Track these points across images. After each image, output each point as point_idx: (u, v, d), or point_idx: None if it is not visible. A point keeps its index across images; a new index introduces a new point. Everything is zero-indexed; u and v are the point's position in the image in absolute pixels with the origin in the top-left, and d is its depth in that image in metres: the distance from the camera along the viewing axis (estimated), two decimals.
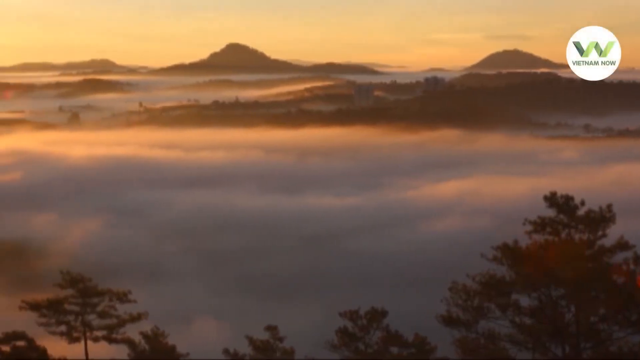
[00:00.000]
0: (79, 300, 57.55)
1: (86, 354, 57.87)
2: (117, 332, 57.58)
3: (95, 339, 57.75)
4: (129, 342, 57.18)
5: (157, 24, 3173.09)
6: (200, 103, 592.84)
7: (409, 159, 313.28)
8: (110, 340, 57.64)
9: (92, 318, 57.73)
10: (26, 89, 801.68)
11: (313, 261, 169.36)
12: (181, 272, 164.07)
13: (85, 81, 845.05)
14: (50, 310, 57.32)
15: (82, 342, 57.60)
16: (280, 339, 56.87)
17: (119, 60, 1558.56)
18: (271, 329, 57.00)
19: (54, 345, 56.98)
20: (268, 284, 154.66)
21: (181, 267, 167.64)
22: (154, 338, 56.90)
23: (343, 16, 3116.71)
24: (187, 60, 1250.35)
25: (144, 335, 57.00)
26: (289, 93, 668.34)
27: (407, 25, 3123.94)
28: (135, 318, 57.91)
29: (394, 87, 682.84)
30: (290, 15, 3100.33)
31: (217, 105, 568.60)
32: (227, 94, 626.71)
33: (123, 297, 58.13)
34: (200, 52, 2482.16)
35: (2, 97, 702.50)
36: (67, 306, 57.59)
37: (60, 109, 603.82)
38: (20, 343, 55.50)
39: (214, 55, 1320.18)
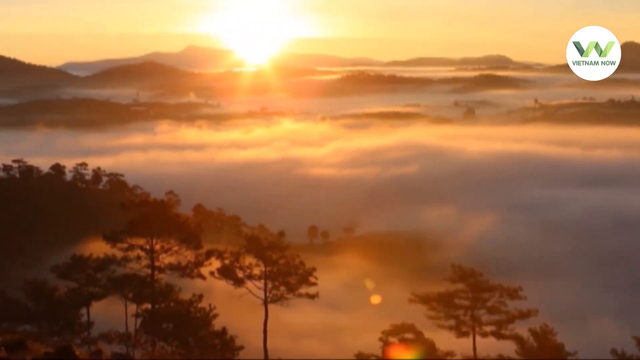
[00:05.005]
0: (469, 295, 57.94)
1: (474, 348, 58.18)
2: (505, 328, 57.40)
3: (484, 334, 57.84)
4: (517, 339, 56.90)
5: (555, 20, 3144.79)
6: (595, 101, 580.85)
7: None
8: (498, 336, 57.52)
9: (482, 313, 57.87)
10: (422, 83, 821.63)
11: None
12: (574, 270, 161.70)
13: (481, 77, 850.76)
14: (440, 304, 58.14)
15: (471, 337, 57.94)
16: None
17: (515, 56, 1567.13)
18: None
19: (441, 338, 57.78)
20: None
21: (574, 265, 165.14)
22: (543, 335, 56.38)
23: None
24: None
25: (533, 332, 56.60)
26: None
27: None
28: (525, 315, 57.57)
29: None
30: None
31: (613, 103, 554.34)
32: (623, 93, 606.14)
33: (513, 294, 57.96)
34: None
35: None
36: (457, 300, 58.15)
37: (456, 103, 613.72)
38: (409, 335, 56.91)
39: None
